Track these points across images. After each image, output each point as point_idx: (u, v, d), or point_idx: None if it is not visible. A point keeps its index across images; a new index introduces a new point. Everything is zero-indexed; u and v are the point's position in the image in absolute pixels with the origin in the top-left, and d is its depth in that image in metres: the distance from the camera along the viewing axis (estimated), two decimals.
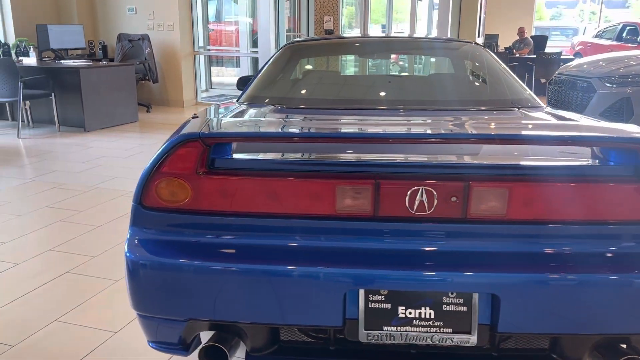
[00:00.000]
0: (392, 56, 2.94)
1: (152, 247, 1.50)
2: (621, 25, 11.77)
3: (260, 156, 1.56)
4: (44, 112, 6.70)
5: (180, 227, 1.52)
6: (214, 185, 1.48)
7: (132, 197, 1.55)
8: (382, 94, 2.42)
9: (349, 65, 3.04)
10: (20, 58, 6.99)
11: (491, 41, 10.87)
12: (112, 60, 8.09)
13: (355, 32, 11.95)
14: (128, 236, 1.55)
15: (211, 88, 10.92)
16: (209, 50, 10.12)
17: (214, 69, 11.71)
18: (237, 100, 2.75)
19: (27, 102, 6.50)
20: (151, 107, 8.26)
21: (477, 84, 2.55)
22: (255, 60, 10.65)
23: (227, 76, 11.93)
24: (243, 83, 3.80)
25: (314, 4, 10.15)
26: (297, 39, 2.97)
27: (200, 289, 1.44)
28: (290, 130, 1.69)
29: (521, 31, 11.07)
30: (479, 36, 11.11)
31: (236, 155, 1.54)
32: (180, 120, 7.46)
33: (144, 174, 1.50)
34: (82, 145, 5.69)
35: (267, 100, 2.34)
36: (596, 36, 12.55)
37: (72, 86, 6.34)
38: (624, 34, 11.45)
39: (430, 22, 12.36)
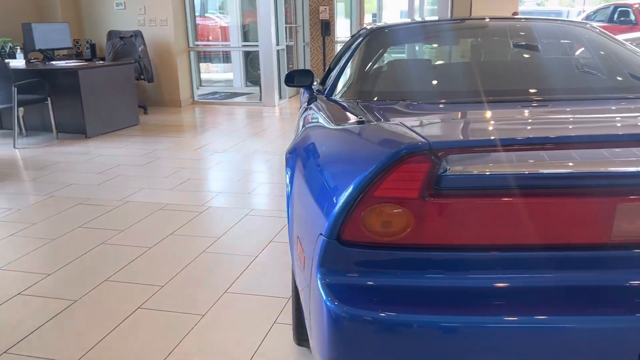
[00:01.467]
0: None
1: (359, 296, 1.14)
2: (612, 6, 11.73)
3: (499, 170, 1.19)
4: (37, 118, 6.14)
5: (396, 268, 1.15)
6: (446, 211, 1.11)
7: (320, 229, 1.18)
8: (520, 82, 2.08)
9: (444, 52, 2.66)
10: (7, 61, 6.39)
11: None
12: (102, 59, 7.52)
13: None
14: (318, 280, 1.18)
15: (201, 85, 10.39)
16: (203, 45, 9.59)
17: (201, 66, 11.17)
18: (325, 96, 2.38)
19: (22, 109, 5.92)
20: (147, 108, 7.73)
21: (610, 68, 2.23)
22: (246, 55, 10.18)
23: (214, 73, 11.40)
24: (295, 78, 3.43)
25: None
26: (376, 25, 2.59)
27: (445, 353, 1.08)
28: (557, 134, 1.25)
29: (515, 15, 10.89)
30: None
31: (468, 170, 1.17)
32: (182, 121, 7.00)
33: (346, 200, 1.12)
34: (88, 154, 5.19)
35: (376, 96, 1.99)
36: (586, 19, 12.49)
37: (70, 89, 5.80)
38: (616, 16, 11.40)
39: (422, 8, 12.06)
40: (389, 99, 1.94)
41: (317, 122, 1.78)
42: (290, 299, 2.28)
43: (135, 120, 6.66)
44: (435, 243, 1.13)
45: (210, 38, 10.72)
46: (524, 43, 2.36)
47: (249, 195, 3.88)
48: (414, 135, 1.15)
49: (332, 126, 1.59)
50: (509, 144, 1.14)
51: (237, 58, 10.29)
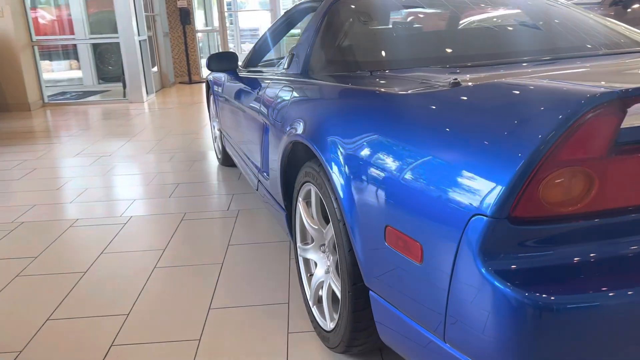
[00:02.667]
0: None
1: (547, 281, 0.97)
2: None
3: None
4: None
5: (581, 242, 1.00)
6: (629, 169, 0.99)
7: (467, 209, 0.99)
8: (526, 43, 2.04)
9: (419, 21, 2.55)
10: None
11: None
12: None
13: None
14: (481, 269, 0.98)
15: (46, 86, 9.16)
16: (50, 40, 8.39)
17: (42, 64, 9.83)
18: (300, 74, 2.14)
19: None
20: None
21: (589, 27, 2.29)
22: (94, 49, 9.19)
23: (58, 72, 10.13)
24: (219, 62, 3.09)
25: None
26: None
27: None
28: None
29: None
30: None
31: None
32: (42, 126, 6.04)
33: (522, 169, 0.94)
34: None
35: (370, 67, 1.87)
36: None
37: None
38: None
39: None
40: (361, 69, 1.81)
41: (366, 99, 1.52)
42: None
43: None
44: (619, 207, 1.00)
45: (54, 31, 9.45)
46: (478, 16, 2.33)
47: (170, 199, 3.44)
48: (589, 87, 1.00)
49: (421, 93, 1.35)
50: None
51: (86, 53, 9.25)
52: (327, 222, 1.75)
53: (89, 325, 2.01)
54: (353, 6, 2.29)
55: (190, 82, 9.42)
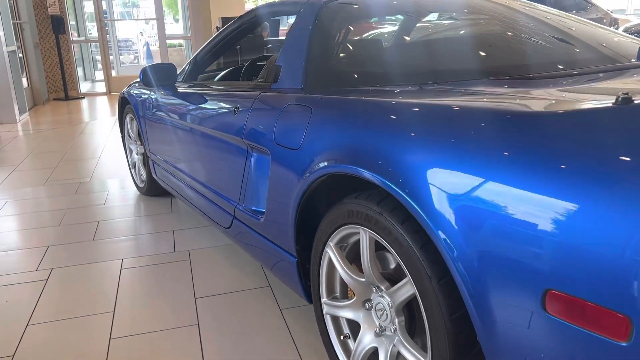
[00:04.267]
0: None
1: None
2: None
3: None
4: None
5: None
6: None
7: None
8: (552, 54, 1.84)
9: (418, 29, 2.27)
10: None
11: None
12: None
13: None
14: None
15: None
16: None
17: None
18: (302, 90, 1.79)
19: None
20: None
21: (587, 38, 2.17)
22: None
23: None
24: (155, 75, 2.62)
25: None
26: (328, 1, 2.03)
27: None
28: None
29: None
30: None
31: None
32: None
33: None
34: None
35: (416, 80, 1.56)
36: None
37: None
38: None
39: None
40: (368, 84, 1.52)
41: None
42: None
43: None
44: None
45: None
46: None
47: (95, 242, 2.82)
48: None
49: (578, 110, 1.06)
50: None
51: None
52: (364, 273, 1.39)
53: None
54: (356, 6, 1.96)
55: (67, 98, 8.38)
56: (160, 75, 2.66)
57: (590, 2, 8.80)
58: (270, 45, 4.09)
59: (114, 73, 9.72)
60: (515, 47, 1.91)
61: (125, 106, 3.50)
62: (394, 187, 1.19)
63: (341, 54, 1.93)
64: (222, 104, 2.23)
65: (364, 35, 1.90)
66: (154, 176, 3.23)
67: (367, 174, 1.28)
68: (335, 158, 1.42)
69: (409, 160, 1.19)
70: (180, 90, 2.71)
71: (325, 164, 1.45)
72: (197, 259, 2.56)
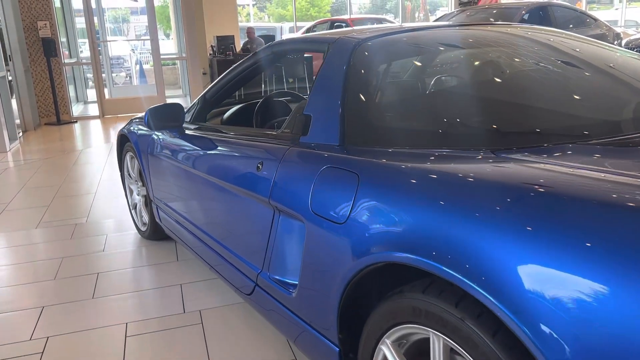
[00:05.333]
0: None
1: None
2: (329, 22, 12.74)
3: None
4: None
5: None
6: None
7: None
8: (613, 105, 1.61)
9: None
10: None
11: (228, 42, 10.24)
12: None
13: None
14: None
15: None
16: None
17: None
18: (339, 147, 1.55)
19: None
20: None
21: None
22: None
23: None
24: (162, 117, 2.38)
25: (19, 7, 7.79)
26: (354, 36, 1.80)
27: None
28: None
29: (250, 32, 10.81)
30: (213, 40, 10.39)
31: None
32: None
33: None
34: None
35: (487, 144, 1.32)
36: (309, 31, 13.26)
37: None
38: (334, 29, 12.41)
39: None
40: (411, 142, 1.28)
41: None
42: None
43: None
44: None
45: None
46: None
47: (95, 301, 2.55)
48: None
49: None
50: None
51: None
52: None
53: None
54: (399, 43, 1.72)
55: (59, 122, 8.10)
56: (166, 117, 2.42)
57: (593, 17, 8.67)
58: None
59: (106, 93, 9.45)
60: (602, 99, 1.66)
61: (125, 144, 3.24)
62: (494, 301, 0.95)
63: (385, 103, 1.69)
64: (242, 155, 1.99)
65: (413, 79, 1.66)
66: (157, 221, 2.97)
67: (447, 274, 1.04)
68: (397, 244, 1.17)
69: (510, 262, 0.95)
70: (188, 132, 2.47)
71: (383, 249, 1.21)
72: (210, 322, 2.29)
